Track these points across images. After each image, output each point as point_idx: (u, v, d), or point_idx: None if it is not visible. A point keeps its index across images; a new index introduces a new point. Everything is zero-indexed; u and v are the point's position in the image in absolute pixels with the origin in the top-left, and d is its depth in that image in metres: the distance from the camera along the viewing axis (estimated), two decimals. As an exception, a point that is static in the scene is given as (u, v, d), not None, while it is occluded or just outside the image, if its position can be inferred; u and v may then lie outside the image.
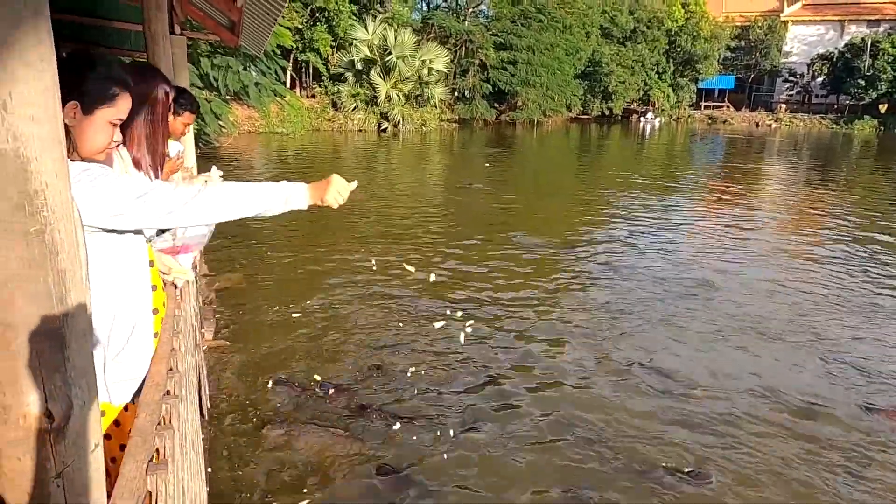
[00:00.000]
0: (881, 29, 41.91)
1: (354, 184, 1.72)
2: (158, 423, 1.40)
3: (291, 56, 27.96)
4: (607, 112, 39.50)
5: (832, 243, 9.08)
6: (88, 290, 0.90)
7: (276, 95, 15.41)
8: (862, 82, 38.77)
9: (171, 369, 1.68)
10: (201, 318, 4.30)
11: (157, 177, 2.02)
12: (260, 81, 13.74)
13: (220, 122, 13.58)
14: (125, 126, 1.72)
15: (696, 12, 40.62)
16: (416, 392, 4.19)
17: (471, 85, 33.76)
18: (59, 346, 0.83)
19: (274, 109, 24.44)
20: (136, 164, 2.02)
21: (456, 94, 34.40)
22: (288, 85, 27.41)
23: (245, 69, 13.16)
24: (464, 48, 33.46)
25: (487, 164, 17.66)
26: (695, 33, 40.14)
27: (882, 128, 37.48)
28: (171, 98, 2.15)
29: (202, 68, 12.46)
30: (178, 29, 5.72)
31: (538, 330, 5.43)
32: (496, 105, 35.34)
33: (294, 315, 5.51)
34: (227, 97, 14.14)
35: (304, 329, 5.22)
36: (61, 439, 0.84)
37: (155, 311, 1.83)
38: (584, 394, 4.29)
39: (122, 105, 1.56)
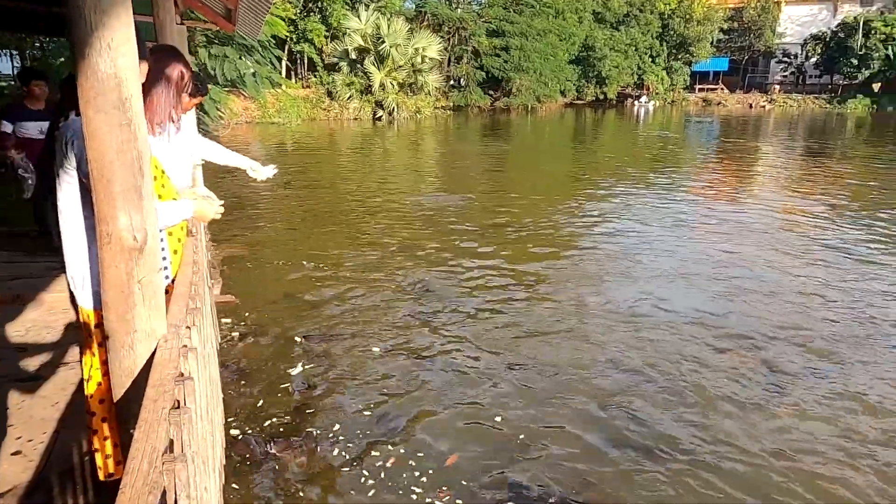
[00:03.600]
0: (874, 7, 42.06)
1: (219, 205, 2.46)
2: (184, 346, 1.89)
3: (286, 47, 28.33)
4: (602, 97, 39.83)
5: (812, 210, 9.61)
6: (150, 167, 1.42)
7: (272, 84, 15.86)
8: (855, 61, 39.05)
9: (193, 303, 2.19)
10: (209, 276, 4.82)
11: (161, 135, 2.48)
12: (256, 70, 14.20)
13: (219, 110, 14.07)
14: (145, 94, 2.22)
15: (688, -5, 40.86)
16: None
17: (464, 72, 34.16)
18: (139, 196, 1.35)
19: (270, 100, 24.87)
20: (149, 128, 2.51)
21: (450, 81, 34.80)
22: (283, 75, 27.83)
23: (241, 59, 13.63)
24: (457, 35, 33.82)
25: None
26: (687, 16, 40.39)
27: (875, 107, 37.76)
28: (186, 78, 2.59)
29: (200, 58, 12.94)
30: (178, 18, 6.21)
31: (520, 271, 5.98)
32: (490, 92, 35.71)
33: (293, 276, 6.07)
34: (225, 87, 14.61)
35: (302, 289, 5.77)
36: (141, 257, 1.37)
37: (170, 234, 2.35)
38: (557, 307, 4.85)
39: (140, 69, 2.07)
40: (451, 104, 33.64)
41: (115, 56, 1.25)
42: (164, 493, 1.02)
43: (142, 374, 1.43)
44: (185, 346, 1.48)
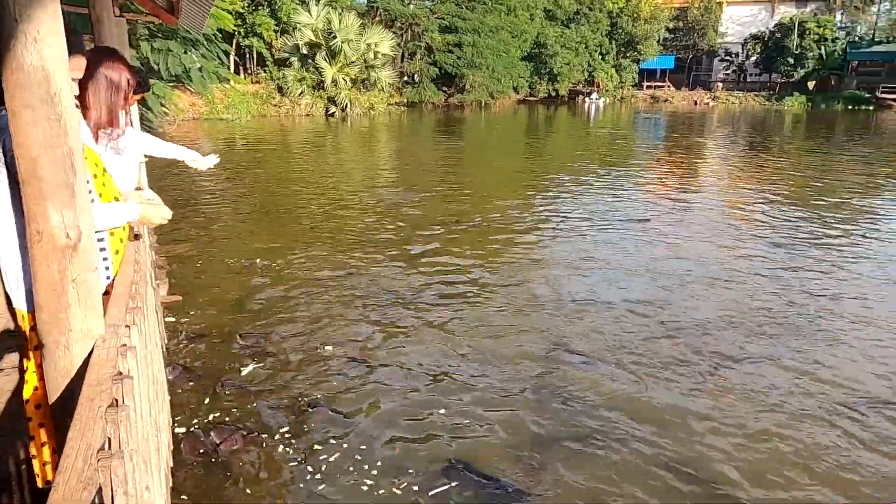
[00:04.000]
0: (808, 9, 44.09)
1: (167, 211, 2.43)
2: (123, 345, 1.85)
3: (234, 41, 27.65)
4: (553, 93, 40.41)
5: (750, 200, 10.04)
6: (83, 164, 1.39)
7: (219, 79, 15.42)
8: (791, 60, 40.92)
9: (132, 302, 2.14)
10: (153, 276, 4.69)
11: (106, 145, 2.42)
12: (203, 65, 13.80)
13: (164, 106, 13.61)
14: (85, 97, 2.19)
15: (635, -5, 41.90)
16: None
17: (418, 68, 34.11)
18: (71, 193, 1.32)
19: (218, 95, 24.23)
20: (94, 133, 2.44)
21: (404, 77, 34.67)
22: (231, 70, 27.15)
23: (186, 53, 13.21)
24: (409, 31, 33.71)
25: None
26: (635, 15, 41.40)
27: (810, 104, 39.60)
28: (132, 85, 2.53)
29: (142, 52, 12.48)
30: (117, 11, 5.98)
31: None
32: (444, 88, 35.76)
33: (244, 274, 5.96)
34: (170, 82, 14.14)
35: (253, 287, 5.67)
36: (75, 255, 1.34)
37: (112, 234, 2.29)
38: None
39: (74, 63, 2.02)
40: (405, 100, 33.54)
41: (41, 48, 1.22)
42: (100, 491, 1.01)
43: (78, 375, 1.39)
44: (125, 345, 1.45)
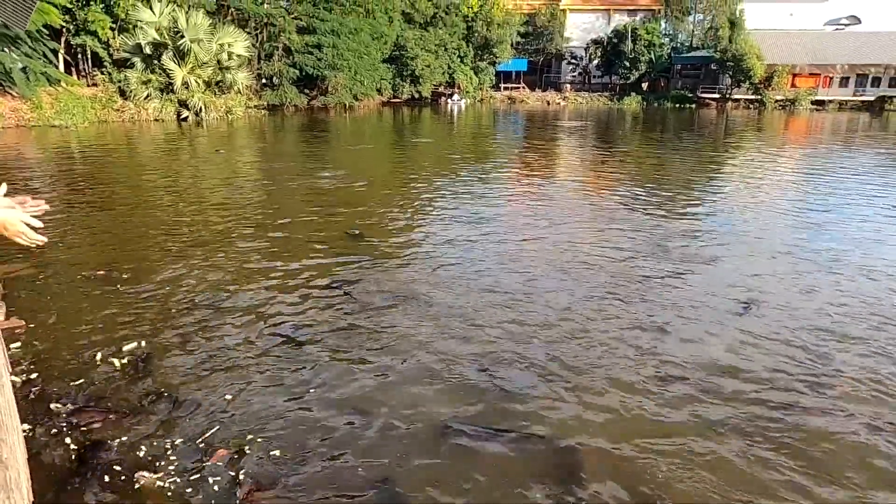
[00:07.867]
0: (638, 17, 48.97)
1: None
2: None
3: (63, 39, 24.86)
4: (417, 95, 41.06)
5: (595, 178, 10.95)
6: None
7: (49, 81, 13.72)
8: (627, 64, 45.26)
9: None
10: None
11: None
12: (27, 65, 12.23)
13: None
14: None
15: (487, 0, 43.84)
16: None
17: (277, 70, 32.91)
18: None
19: (47, 100, 21.62)
20: None
21: (263, 79, 33.32)
22: (62, 71, 24.33)
23: (4, 51, 11.63)
24: (265, 31, 32.44)
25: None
26: (489, 19, 43.32)
27: (645, 103, 44.07)
28: None
29: (-53, 50, 10.78)
30: (-88, 0, 5.15)
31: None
32: (306, 90, 34.89)
33: (94, 291, 5.43)
34: (-15, 84, 12.34)
35: (104, 304, 5.19)
36: None
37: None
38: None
39: None
40: (265, 103, 32.23)
41: None
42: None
43: None
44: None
